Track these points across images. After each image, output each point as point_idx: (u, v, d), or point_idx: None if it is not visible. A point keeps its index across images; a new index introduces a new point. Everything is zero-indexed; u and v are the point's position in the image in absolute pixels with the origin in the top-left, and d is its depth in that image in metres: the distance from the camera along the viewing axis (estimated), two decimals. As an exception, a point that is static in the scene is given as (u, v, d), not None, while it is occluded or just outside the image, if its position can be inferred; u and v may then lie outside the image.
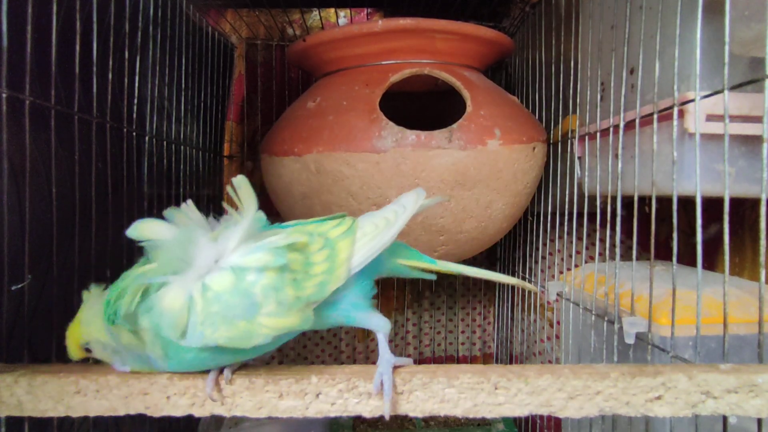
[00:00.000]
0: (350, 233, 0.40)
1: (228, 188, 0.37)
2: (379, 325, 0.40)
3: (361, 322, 0.40)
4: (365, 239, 0.40)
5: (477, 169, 0.63)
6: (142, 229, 0.34)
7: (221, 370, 0.37)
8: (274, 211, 0.87)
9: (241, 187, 0.37)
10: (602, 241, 0.75)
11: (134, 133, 0.59)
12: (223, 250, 0.35)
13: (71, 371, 0.38)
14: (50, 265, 0.46)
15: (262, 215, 0.38)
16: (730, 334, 0.42)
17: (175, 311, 0.33)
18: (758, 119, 0.42)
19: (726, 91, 0.40)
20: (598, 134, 0.60)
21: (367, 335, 1.03)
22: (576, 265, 0.72)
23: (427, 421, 0.92)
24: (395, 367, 0.38)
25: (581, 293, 0.62)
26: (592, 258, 0.78)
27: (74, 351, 0.38)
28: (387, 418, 0.36)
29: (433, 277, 0.46)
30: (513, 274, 0.96)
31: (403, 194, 0.45)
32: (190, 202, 0.36)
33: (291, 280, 0.35)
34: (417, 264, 0.45)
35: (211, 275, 0.34)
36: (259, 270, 0.34)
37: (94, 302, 0.37)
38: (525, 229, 0.91)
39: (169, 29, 0.67)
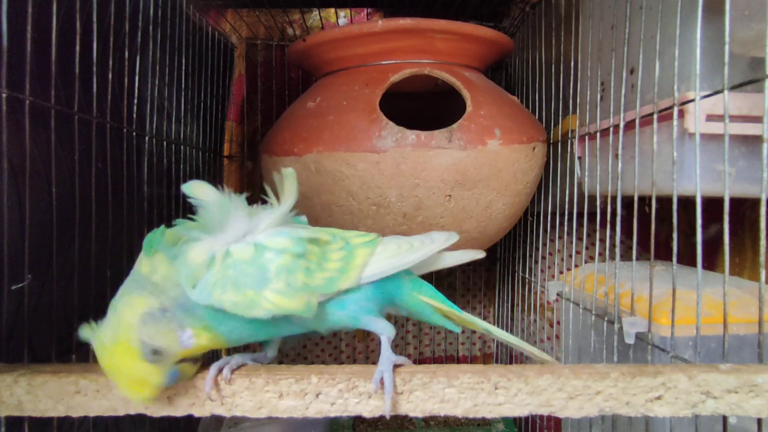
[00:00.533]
0: (371, 245, 0.42)
1: (275, 175, 0.40)
2: (385, 329, 0.41)
3: (367, 326, 0.41)
4: (384, 255, 0.42)
5: (477, 169, 0.63)
6: (194, 188, 0.37)
7: (220, 370, 0.37)
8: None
9: (287, 177, 0.40)
10: (602, 241, 0.75)
11: (134, 133, 0.59)
12: (254, 227, 0.38)
13: (71, 371, 0.38)
14: (50, 265, 0.46)
15: (303, 217, 0.43)
16: (730, 334, 0.42)
17: (195, 265, 0.36)
18: (758, 119, 0.42)
19: (726, 91, 0.40)
20: (598, 134, 0.60)
21: (367, 335, 1.03)
22: (576, 265, 0.72)
23: (427, 421, 0.92)
24: (395, 366, 0.38)
25: (581, 293, 0.62)
26: (592, 258, 0.78)
27: (141, 378, 0.34)
28: (388, 416, 0.36)
29: (458, 329, 0.46)
30: (513, 274, 0.96)
31: (436, 232, 0.47)
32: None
33: (304, 268, 0.38)
34: (439, 305, 0.44)
35: (236, 245, 0.37)
36: (279, 251, 0.37)
37: (112, 321, 0.35)
38: (525, 229, 0.91)
39: (169, 29, 0.67)
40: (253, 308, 0.36)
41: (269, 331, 0.39)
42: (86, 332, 0.35)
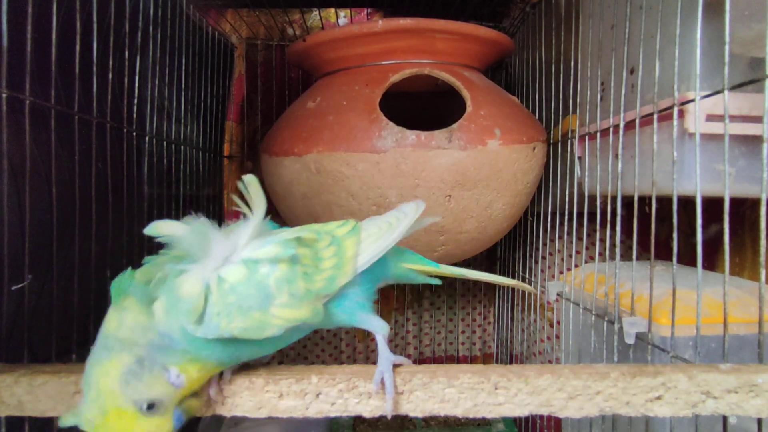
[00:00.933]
0: (355, 233, 0.41)
1: (239, 184, 0.37)
2: (379, 326, 0.40)
3: (363, 323, 0.41)
4: (370, 240, 0.41)
5: (477, 169, 0.63)
6: (158, 227, 0.34)
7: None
8: (274, 211, 0.87)
9: (251, 185, 0.37)
10: (602, 241, 0.75)
11: (134, 133, 0.59)
12: (234, 245, 0.36)
13: (71, 371, 0.38)
14: (50, 265, 0.46)
15: (272, 223, 0.39)
16: (730, 334, 0.42)
17: (193, 298, 0.33)
18: (758, 119, 0.42)
19: (726, 91, 0.40)
20: (598, 134, 0.60)
21: (367, 335, 1.03)
22: (576, 265, 0.72)
23: (427, 421, 0.92)
24: (395, 366, 0.38)
25: (581, 293, 0.62)
26: (592, 258, 0.78)
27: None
28: (389, 416, 0.36)
29: (438, 282, 0.48)
30: (513, 274, 0.96)
31: (404, 203, 0.45)
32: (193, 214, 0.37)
33: (302, 274, 0.37)
34: (422, 268, 0.46)
35: (225, 268, 0.35)
36: (271, 262, 0.35)
37: (92, 396, 0.32)
38: (525, 229, 0.91)
39: (169, 29, 0.67)
40: (265, 329, 0.35)
41: (268, 345, 0.37)
42: (69, 419, 0.32)
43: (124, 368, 0.32)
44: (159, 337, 0.33)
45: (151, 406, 0.32)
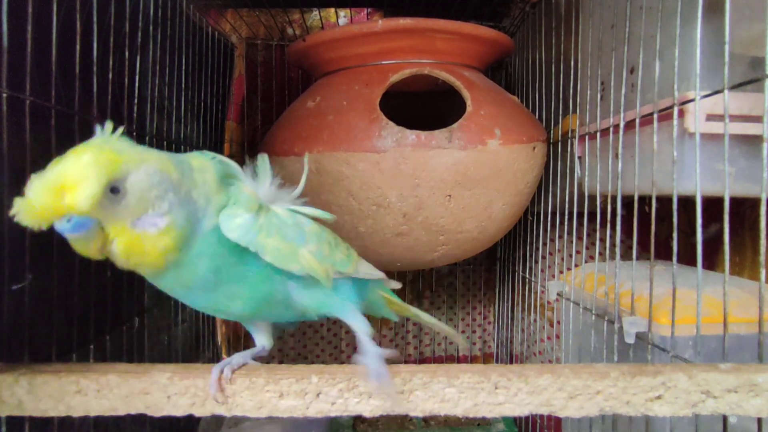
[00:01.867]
0: (355, 255, 0.47)
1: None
2: (364, 325, 0.42)
3: (351, 317, 0.43)
4: (365, 266, 0.48)
5: (477, 168, 0.63)
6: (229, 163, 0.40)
7: (222, 370, 0.37)
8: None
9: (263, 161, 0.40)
10: (602, 240, 0.75)
11: (134, 133, 0.59)
12: (280, 198, 0.41)
13: (72, 371, 0.38)
14: (50, 265, 0.46)
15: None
16: (730, 333, 0.42)
17: (252, 198, 0.38)
18: (758, 119, 0.42)
19: (726, 91, 0.40)
20: (598, 134, 0.60)
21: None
22: (576, 265, 0.72)
23: (427, 420, 0.92)
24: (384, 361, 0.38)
25: (581, 293, 0.62)
26: (592, 258, 0.78)
27: (91, 191, 0.30)
28: (393, 409, 0.37)
29: (395, 318, 0.54)
30: (513, 274, 0.96)
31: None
32: None
33: (328, 241, 0.42)
34: (390, 297, 0.51)
35: (274, 206, 0.40)
36: (309, 219, 0.41)
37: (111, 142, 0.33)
38: (525, 229, 0.91)
39: (169, 29, 0.67)
40: (292, 261, 0.38)
41: (265, 302, 0.40)
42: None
43: (162, 169, 0.34)
44: (202, 200, 0.35)
45: (114, 190, 0.31)
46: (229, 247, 0.36)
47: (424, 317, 0.55)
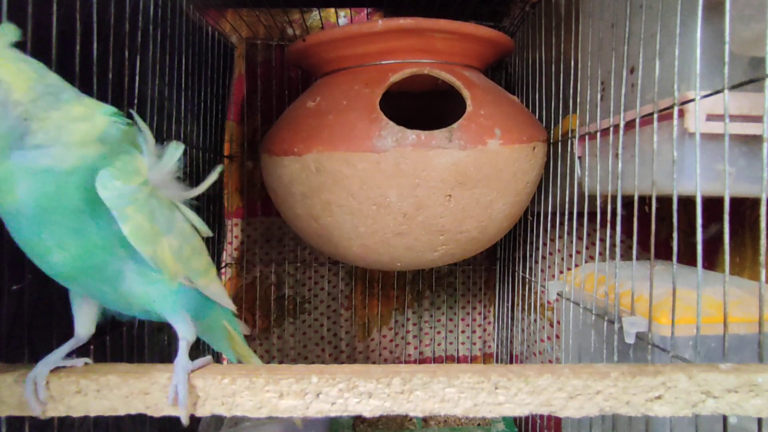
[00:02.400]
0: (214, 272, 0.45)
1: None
2: (188, 331, 0.41)
3: (178, 320, 0.41)
4: (219, 289, 0.46)
5: (477, 168, 0.63)
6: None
7: (35, 383, 0.37)
8: (274, 210, 0.87)
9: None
10: (602, 240, 0.75)
11: (134, 133, 0.59)
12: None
13: (71, 371, 0.38)
14: (50, 265, 0.46)
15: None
16: (731, 333, 0.42)
17: (139, 171, 0.37)
18: (758, 119, 0.42)
19: (726, 91, 0.40)
20: (598, 134, 0.60)
21: (367, 335, 1.03)
22: (576, 265, 0.72)
23: (427, 420, 0.92)
24: (197, 369, 0.38)
25: (581, 293, 0.62)
26: (592, 258, 0.78)
27: None
28: (185, 423, 0.36)
29: (233, 358, 0.51)
30: (513, 274, 0.96)
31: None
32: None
33: (191, 246, 0.41)
34: (234, 334, 0.49)
35: (161, 191, 0.39)
36: (186, 220, 0.41)
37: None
38: (525, 229, 0.91)
39: (169, 29, 0.67)
40: (148, 244, 0.36)
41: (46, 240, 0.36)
42: None
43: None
44: (42, 134, 0.34)
45: None
46: (85, 197, 0.35)
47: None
